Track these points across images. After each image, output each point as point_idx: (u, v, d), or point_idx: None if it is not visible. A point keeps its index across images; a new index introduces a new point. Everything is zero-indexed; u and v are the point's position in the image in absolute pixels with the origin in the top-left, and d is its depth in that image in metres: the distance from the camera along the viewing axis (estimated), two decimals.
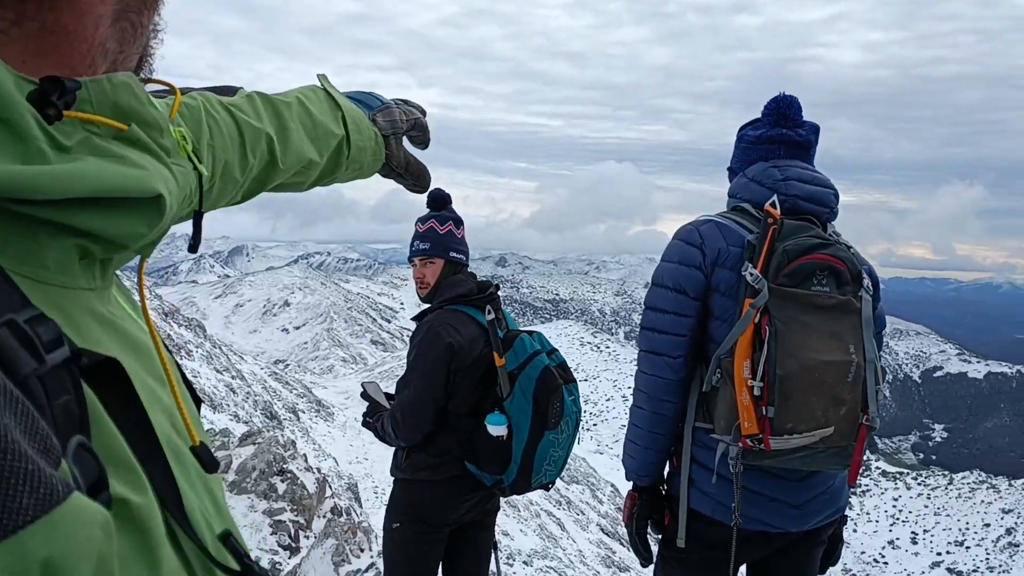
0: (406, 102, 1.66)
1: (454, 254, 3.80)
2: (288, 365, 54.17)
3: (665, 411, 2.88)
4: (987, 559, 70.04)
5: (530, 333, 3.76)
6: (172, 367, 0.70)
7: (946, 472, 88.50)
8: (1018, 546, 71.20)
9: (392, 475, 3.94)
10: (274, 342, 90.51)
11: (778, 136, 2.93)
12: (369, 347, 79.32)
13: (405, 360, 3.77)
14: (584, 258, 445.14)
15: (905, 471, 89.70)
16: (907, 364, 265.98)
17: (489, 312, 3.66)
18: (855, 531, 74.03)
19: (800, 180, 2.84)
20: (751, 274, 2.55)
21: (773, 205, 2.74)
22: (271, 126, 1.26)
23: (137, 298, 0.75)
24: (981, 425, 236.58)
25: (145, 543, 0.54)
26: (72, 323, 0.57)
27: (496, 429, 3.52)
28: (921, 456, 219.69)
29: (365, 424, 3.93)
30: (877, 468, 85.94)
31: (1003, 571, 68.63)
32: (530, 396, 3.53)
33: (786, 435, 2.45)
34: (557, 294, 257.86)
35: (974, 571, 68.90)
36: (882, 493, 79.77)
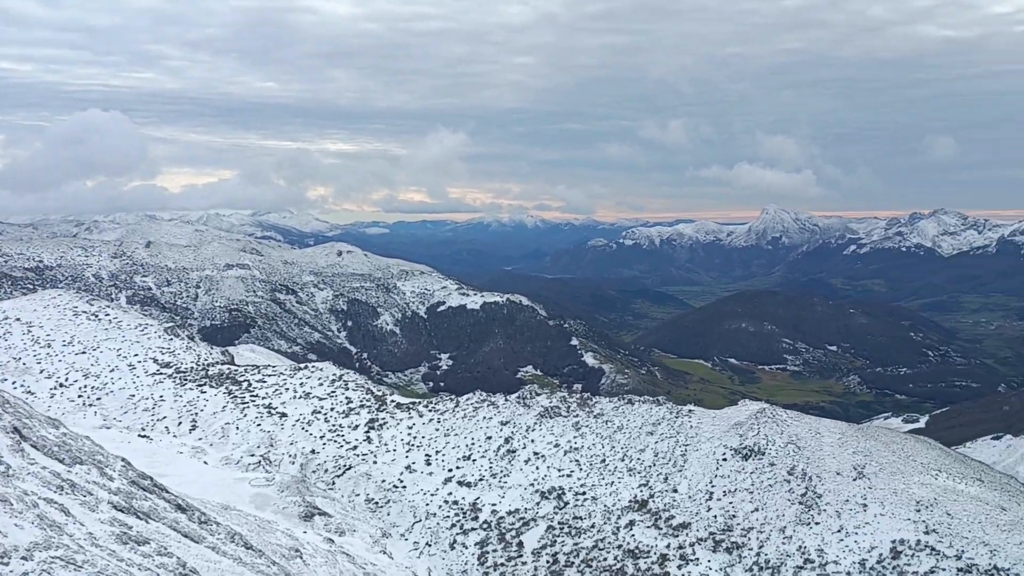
0: None
1: None
2: None
3: None
4: (491, 467, 75.96)
5: None
6: None
7: (453, 396, 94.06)
8: (515, 452, 78.22)
9: None
10: None
11: None
12: None
13: None
14: (71, 219, 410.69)
15: (418, 400, 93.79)
16: (414, 302, 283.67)
17: None
18: (375, 463, 75.44)
19: None
20: None
21: None
22: None
23: None
24: (480, 350, 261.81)
25: None
26: None
27: None
28: (431, 384, 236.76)
29: None
30: (392, 401, 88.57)
31: (504, 475, 74.93)
32: None
33: None
34: (40, 260, 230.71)
35: (480, 480, 74.24)
36: (397, 424, 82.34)
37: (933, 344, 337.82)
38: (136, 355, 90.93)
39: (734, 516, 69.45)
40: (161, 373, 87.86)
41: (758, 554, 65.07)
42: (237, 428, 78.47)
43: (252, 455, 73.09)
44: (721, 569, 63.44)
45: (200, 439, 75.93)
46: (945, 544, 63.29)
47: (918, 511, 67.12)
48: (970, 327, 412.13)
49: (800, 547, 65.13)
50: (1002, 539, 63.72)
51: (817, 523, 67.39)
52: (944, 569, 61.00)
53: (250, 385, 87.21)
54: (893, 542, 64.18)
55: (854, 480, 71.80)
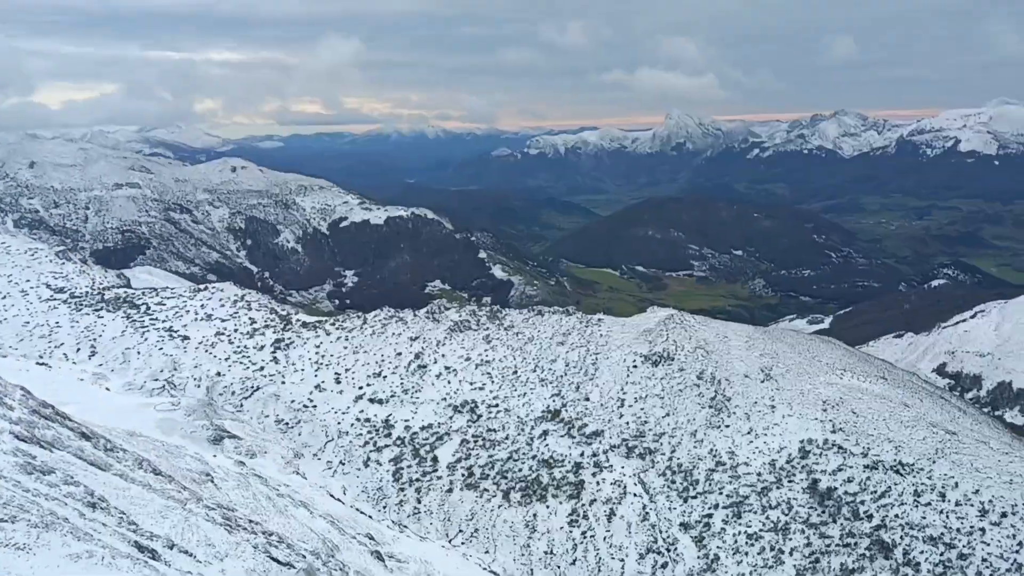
0: None
1: None
2: None
3: None
4: (402, 383, 75.29)
5: None
6: None
7: (360, 313, 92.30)
8: (426, 367, 77.64)
9: None
10: None
11: None
12: None
13: None
14: None
15: (324, 319, 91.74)
16: (315, 218, 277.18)
17: None
18: (284, 383, 73.92)
19: None
20: None
21: None
22: None
23: None
24: (386, 266, 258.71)
25: None
26: None
27: None
28: (337, 302, 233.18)
29: None
30: (298, 320, 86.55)
31: (416, 391, 74.39)
32: None
33: None
34: None
35: (392, 396, 73.52)
36: (304, 343, 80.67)
37: (835, 246, 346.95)
38: (28, 281, 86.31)
39: (646, 422, 70.71)
40: (55, 299, 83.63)
41: (670, 459, 66.54)
42: (138, 353, 75.56)
43: (156, 380, 70.53)
44: (635, 474, 64.69)
45: (100, 365, 72.86)
46: (852, 442, 65.79)
47: (825, 411, 69.50)
48: (871, 228, 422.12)
49: (711, 450, 66.85)
50: (906, 435, 66.58)
51: (727, 426, 69.19)
52: (851, 467, 63.48)
53: (149, 308, 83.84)
54: (801, 442, 66.42)
55: (762, 382, 73.80)
